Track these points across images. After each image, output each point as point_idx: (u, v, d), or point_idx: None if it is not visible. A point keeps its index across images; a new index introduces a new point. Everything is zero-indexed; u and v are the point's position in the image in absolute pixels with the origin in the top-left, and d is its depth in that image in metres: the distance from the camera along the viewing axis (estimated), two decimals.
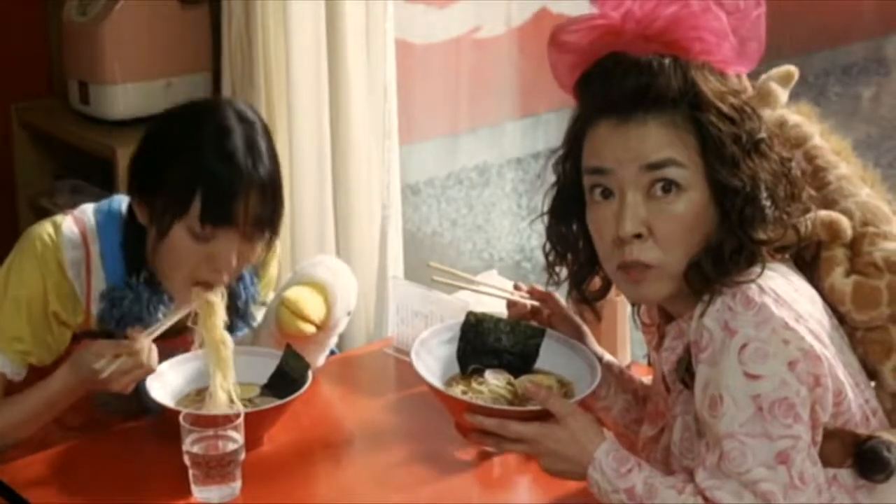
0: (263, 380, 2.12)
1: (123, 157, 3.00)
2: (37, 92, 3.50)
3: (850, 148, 1.76)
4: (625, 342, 2.22)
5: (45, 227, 2.10)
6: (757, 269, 1.57)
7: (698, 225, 1.59)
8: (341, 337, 2.43)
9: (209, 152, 1.98)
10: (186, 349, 2.18)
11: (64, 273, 2.07)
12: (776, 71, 1.79)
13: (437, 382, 1.76)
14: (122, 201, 2.15)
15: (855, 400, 1.59)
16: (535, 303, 1.88)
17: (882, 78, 6.79)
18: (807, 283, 1.65)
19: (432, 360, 1.81)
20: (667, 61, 1.59)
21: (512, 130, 5.45)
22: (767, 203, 1.59)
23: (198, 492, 1.89)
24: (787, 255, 1.67)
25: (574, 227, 1.70)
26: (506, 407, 1.70)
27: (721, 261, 1.58)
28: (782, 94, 1.78)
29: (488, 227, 5.12)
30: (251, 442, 1.93)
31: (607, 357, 1.88)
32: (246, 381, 2.12)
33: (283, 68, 2.77)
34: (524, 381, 1.75)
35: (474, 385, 1.78)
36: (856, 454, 1.58)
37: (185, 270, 2.02)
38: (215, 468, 1.87)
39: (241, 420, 1.89)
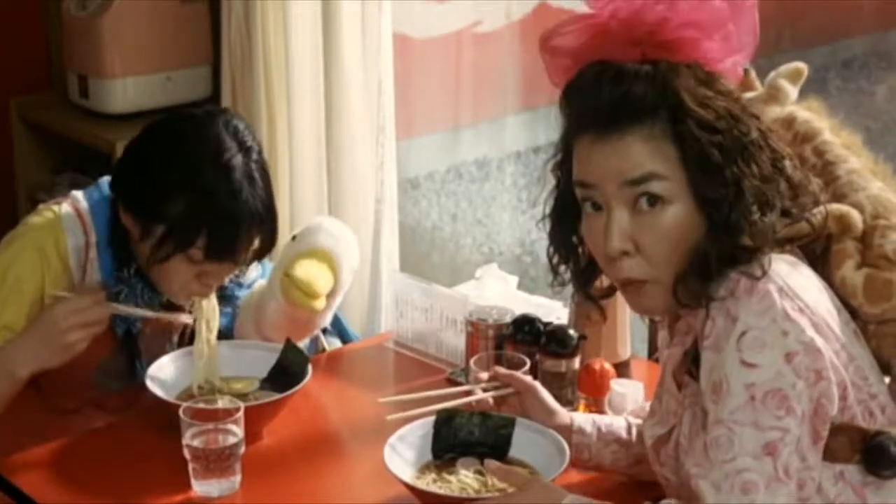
0: (263, 374, 2.12)
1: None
2: (36, 86, 3.49)
3: (859, 142, 1.75)
4: (625, 339, 2.22)
5: (47, 217, 2.11)
6: (764, 259, 1.55)
7: (686, 235, 1.58)
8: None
9: (216, 190, 2.00)
10: (178, 329, 2.20)
11: (65, 264, 2.09)
12: (785, 68, 1.78)
13: (411, 470, 1.82)
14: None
15: (856, 395, 1.58)
16: (498, 393, 1.89)
17: (882, 73, 6.79)
18: (815, 274, 1.63)
19: (406, 447, 1.86)
20: (646, 69, 1.57)
21: (512, 124, 5.44)
22: (754, 207, 1.56)
23: (197, 485, 1.89)
24: (795, 247, 1.65)
25: (576, 229, 1.69)
26: (460, 496, 1.75)
27: (707, 271, 1.56)
28: (792, 91, 1.77)
29: (488, 221, 5.12)
30: (251, 436, 1.93)
31: (578, 421, 1.88)
32: (245, 374, 2.12)
33: (283, 62, 2.77)
34: (489, 463, 1.76)
35: (444, 475, 1.81)
36: (863, 449, 1.57)
37: (175, 286, 2.08)
38: (215, 462, 1.87)
39: (240, 414, 1.89)
